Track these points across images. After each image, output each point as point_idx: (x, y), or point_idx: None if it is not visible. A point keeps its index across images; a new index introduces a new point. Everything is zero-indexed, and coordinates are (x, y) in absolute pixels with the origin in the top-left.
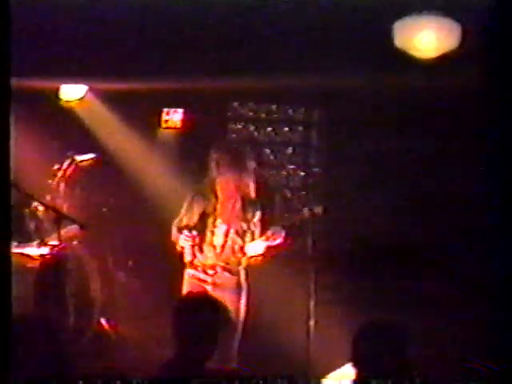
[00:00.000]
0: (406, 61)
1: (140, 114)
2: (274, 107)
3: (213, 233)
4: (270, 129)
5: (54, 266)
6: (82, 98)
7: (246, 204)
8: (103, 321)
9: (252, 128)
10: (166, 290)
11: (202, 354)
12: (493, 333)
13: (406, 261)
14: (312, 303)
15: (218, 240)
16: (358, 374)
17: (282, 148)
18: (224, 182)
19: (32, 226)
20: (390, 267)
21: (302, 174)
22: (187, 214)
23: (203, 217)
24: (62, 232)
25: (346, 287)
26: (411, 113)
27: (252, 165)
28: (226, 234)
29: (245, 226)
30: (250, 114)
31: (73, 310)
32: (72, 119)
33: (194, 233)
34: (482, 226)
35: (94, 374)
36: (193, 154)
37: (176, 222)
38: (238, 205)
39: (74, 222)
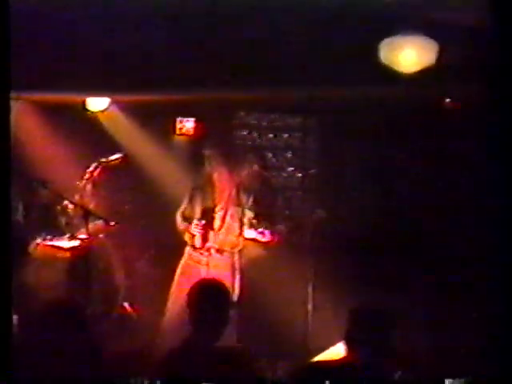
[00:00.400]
0: (391, 75)
1: (156, 122)
2: (275, 116)
3: (212, 219)
4: (271, 135)
5: (82, 256)
6: (105, 109)
7: (240, 191)
8: (126, 305)
9: (255, 134)
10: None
11: (214, 334)
12: (493, 327)
13: (397, 250)
14: (310, 288)
15: (216, 224)
16: (349, 352)
17: (282, 152)
18: (218, 175)
19: (63, 221)
20: (383, 256)
21: (300, 175)
22: (189, 205)
23: (204, 206)
24: (90, 227)
25: (342, 273)
26: (397, 120)
27: (244, 159)
28: (223, 219)
29: (239, 211)
30: (254, 122)
31: (99, 296)
32: (97, 128)
33: (203, 222)
34: (479, 221)
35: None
36: (203, 157)
37: (179, 212)
38: (233, 192)
39: (99, 217)
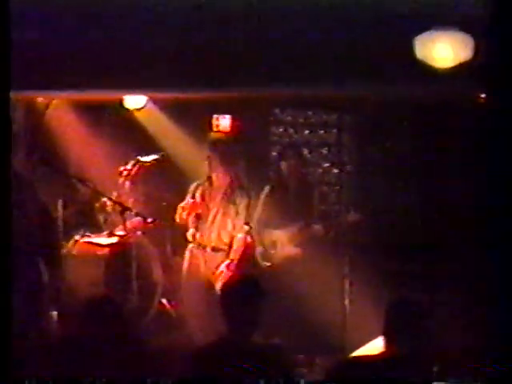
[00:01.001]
0: (425, 71)
1: (193, 119)
2: (310, 113)
3: (207, 216)
4: (307, 131)
5: (120, 253)
6: (142, 107)
7: (236, 192)
8: (164, 301)
9: (291, 131)
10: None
11: (248, 331)
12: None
13: (428, 245)
14: (347, 283)
15: (209, 222)
16: (386, 347)
17: (318, 148)
18: (216, 175)
19: (101, 218)
20: (414, 251)
21: (336, 171)
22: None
23: (201, 202)
24: (128, 223)
25: (379, 268)
26: (433, 116)
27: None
28: (215, 217)
29: (232, 210)
30: (290, 118)
31: (137, 292)
32: (134, 125)
33: (191, 200)
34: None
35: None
36: (240, 154)
37: (180, 206)
38: (228, 192)
39: (137, 214)
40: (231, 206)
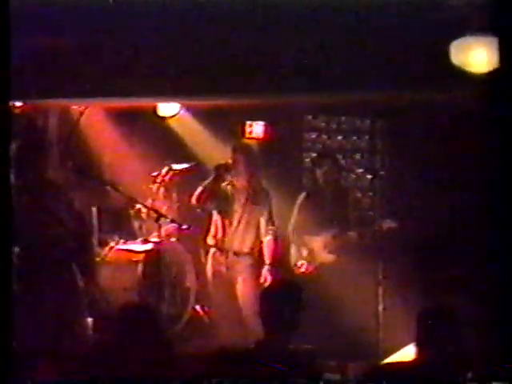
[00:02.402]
0: (461, 76)
1: (226, 126)
2: (343, 119)
3: (230, 220)
4: (340, 137)
5: (155, 259)
6: (175, 114)
7: (259, 195)
8: (198, 307)
9: (325, 137)
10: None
11: (285, 337)
12: None
13: (462, 251)
14: (380, 290)
15: (233, 226)
16: (420, 354)
17: (351, 154)
18: (239, 178)
19: (136, 225)
20: (448, 257)
21: (369, 176)
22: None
23: (224, 204)
24: (162, 230)
25: (412, 275)
26: (461, 123)
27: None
28: (239, 221)
29: (257, 214)
30: (323, 124)
31: (171, 298)
32: (168, 133)
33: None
34: None
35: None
36: (273, 161)
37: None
38: (251, 195)
39: (172, 221)
40: (256, 210)
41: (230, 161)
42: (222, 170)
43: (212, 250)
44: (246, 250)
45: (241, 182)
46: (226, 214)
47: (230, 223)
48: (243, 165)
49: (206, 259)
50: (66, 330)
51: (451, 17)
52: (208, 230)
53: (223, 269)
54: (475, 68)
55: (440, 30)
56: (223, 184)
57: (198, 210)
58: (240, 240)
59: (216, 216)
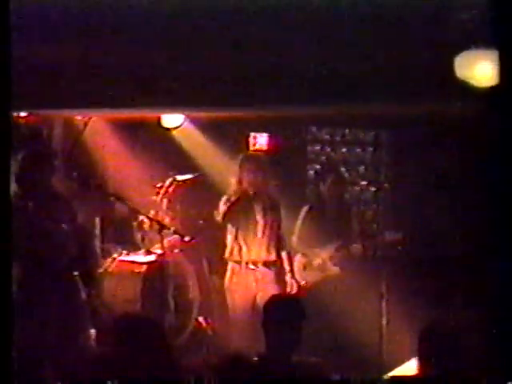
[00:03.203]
0: (465, 89)
1: (230, 138)
2: (347, 131)
3: (253, 232)
4: (344, 150)
5: (158, 271)
6: (180, 125)
7: (274, 207)
8: (201, 319)
9: (328, 149)
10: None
11: (287, 349)
12: None
13: (466, 262)
14: (384, 303)
15: (257, 238)
16: (421, 369)
17: (355, 166)
18: (254, 190)
19: (139, 236)
20: (452, 269)
21: (373, 189)
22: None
23: (246, 217)
24: (165, 242)
25: (415, 288)
26: (466, 135)
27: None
28: (255, 233)
29: (273, 226)
30: (327, 137)
31: (174, 310)
32: (172, 144)
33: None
34: None
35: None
36: (277, 173)
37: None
38: (267, 207)
39: (175, 232)
40: (275, 221)
41: (246, 173)
42: (243, 185)
43: (231, 263)
44: (271, 261)
45: (260, 193)
46: (248, 226)
47: (254, 236)
48: (261, 176)
49: (225, 273)
50: (68, 341)
51: (455, 30)
52: (225, 244)
53: (251, 282)
54: (479, 81)
55: (444, 43)
56: (245, 198)
57: (201, 222)
58: (265, 252)
59: (233, 229)
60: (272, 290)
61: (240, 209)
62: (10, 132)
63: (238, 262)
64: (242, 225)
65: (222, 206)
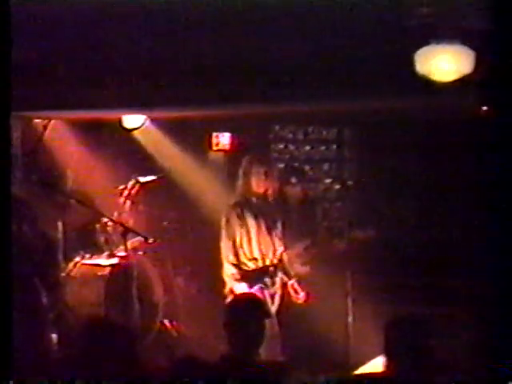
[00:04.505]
0: (425, 85)
1: (192, 138)
2: (310, 129)
3: (259, 232)
4: (307, 148)
5: (121, 274)
6: (141, 126)
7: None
8: (166, 321)
9: (292, 147)
10: (220, 293)
11: (252, 349)
12: None
13: (431, 260)
14: (349, 301)
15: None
16: (387, 366)
17: (319, 164)
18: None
19: (102, 239)
20: (417, 267)
21: (338, 186)
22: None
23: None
24: (129, 244)
25: (381, 285)
26: (429, 130)
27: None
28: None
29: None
30: (290, 135)
31: (139, 312)
32: (133, 145)
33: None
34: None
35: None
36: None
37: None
38: (270, 208)
39: (138, 234)
40: (275, 222)
41: (254, 177)
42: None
43: (229, 266)
44: (275, 263)
45: (265, 197)
46: (252, 229)
47: (262, 238)
48: (269, 180)
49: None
50: (30, 346)
51: (416, 25)
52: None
53: (259, 285)
54: (440, 76)
55: (404, 38)
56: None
57: (165, 223)
58: (272, 253)
59: (236, 232)
60: (281, 294)
61: (246, 212)
62: (10, 133)
63: (236, 266)
64: (246, 228)
65: (231, 210)
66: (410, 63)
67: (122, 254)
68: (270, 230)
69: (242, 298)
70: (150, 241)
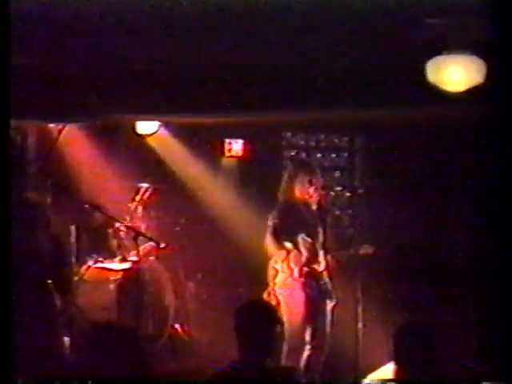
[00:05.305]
0: (436, 94)
1: (205, 144)
2: (322, 136)
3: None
4: (319, 155)
5: (133, 278)
6: (155, 132)
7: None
8: (177, 326)
9: (303, 155)
10: (231, 297)
11: (262, 354)
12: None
13: (442, 268)
14: (360, 308)
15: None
16: (398, 372)
17: (330, 172)
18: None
19: (114, 244)
20: (428, 274)
21: (348, 194)
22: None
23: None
24: (141, 249)
25: (390, 293)
26: (439, 139)
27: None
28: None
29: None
30: (302, 142)
31: (150, 317)
32: (147, 151)
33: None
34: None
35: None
36: (253, 179)
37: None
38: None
39: (150, 240)
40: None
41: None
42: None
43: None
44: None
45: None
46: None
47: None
48: (315, 184)
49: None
50: (42, 349)
51: (427, 36)
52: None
53: (312, 295)
54: (451, 86)
55: (416, 48)
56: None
57: (177, 229)
58: (322, 260)
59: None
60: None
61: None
62: (10, 141)
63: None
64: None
65: (278, 214)
66: (421, 73)
67: (134, 258)
68: (312, 235)
69: (253, 303)
70: (162, 246)
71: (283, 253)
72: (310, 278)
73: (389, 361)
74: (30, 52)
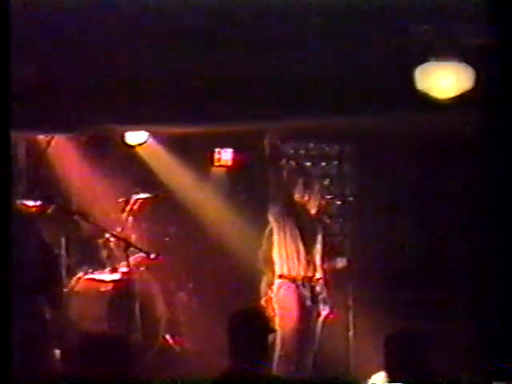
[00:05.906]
0: (426, 101)
1: (195, 154)
2: (311, 145)
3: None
4: (308, 163)
5: (124, 289)
6: (144, 142)
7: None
8: (168, 336)
9: (293, 164)
10: (223, 307)
11: (254, 362)
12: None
13: (432, 275)
14: (351, 316)
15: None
16: (389, 380)
17: (320, 180)
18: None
19: (105, 254)
20: (418, 282)
21: (339, 202)
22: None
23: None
24: (131, 259)
25: (381, 301)
26: (429, 146)
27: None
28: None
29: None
30: (291, 151)
31: (141, 328)
32: (136, 161)
33: None
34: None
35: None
36: (242, 188)
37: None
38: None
39: (140, 250)
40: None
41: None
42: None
43: (279, 280)
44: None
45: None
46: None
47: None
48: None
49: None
50: (32, 361)
51: (415, 42)
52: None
53: (308, 302)
54: (441, 93)
55: (404, 55)
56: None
57: (167, 239)
58: (318, 269)
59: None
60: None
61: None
62: (10, 151)
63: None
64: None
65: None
66: (410, 80)
67: (125, 269)
68: (309, 242)
69: (246, 312)
70: (152, 256)
71: (278, 260)
72: (306, 286)
73: (380, 369)
74: (18, 64)
